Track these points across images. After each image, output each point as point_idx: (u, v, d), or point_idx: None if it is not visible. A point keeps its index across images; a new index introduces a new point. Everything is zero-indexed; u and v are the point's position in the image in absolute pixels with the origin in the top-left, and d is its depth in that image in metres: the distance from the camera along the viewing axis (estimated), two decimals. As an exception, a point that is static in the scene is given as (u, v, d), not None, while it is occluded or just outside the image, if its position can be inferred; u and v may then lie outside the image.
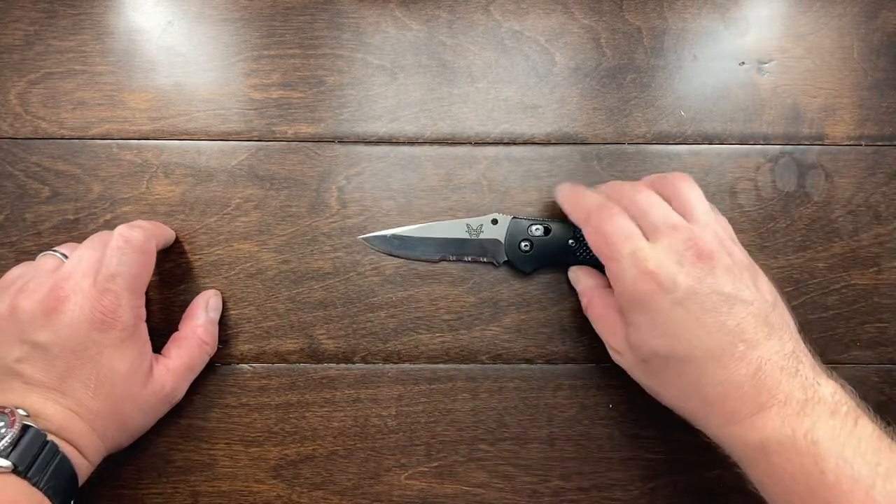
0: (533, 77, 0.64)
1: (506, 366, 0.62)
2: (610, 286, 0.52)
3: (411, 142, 0.63)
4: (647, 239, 0.49)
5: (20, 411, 0.45)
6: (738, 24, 0.66)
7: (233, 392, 0.61)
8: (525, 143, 0.63)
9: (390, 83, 0.64)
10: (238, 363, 0.61)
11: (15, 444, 0.43)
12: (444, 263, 0.61)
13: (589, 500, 0.60)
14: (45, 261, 0.54)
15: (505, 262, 0.59)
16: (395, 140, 0.63)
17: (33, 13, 0.64)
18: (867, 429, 0.40)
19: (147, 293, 0.58)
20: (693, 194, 0.51)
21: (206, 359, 0.59)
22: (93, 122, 0.63)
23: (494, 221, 0.59)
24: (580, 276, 0.59)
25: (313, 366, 0.61)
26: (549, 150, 0.63)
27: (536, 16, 0.65)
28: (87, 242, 0.53)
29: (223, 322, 0.61)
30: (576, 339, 0.61)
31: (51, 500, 0.44)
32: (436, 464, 0.61)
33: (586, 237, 0.53)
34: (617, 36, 0.65)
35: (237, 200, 0.62)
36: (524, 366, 0.62)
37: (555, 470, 0.61)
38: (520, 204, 0.61)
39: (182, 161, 0.63)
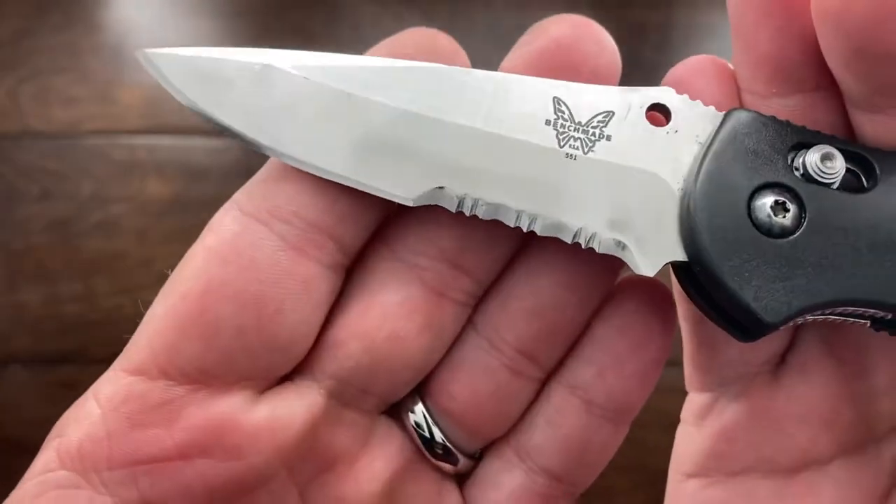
0: (535, 73, 0.63)
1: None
2: None
3: (411, 140, 0.62)
4: None
5: None
6: (746, 19, 0.65)
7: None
8: (527, 140, 0.62)
9: (389, 79, 0.63)
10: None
11: None
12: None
13: (592, 507, 0.59)
14: None
15: (684, 267, 0.17)
16: (393, 138, 0.62)
17: (23, 8, 0.63)
18: None
19: (140, 298, 0.56)
20: None
21: None
22: (84, 119, 0.61)
23: (661, 110, 0.18)
24: None
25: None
26: (552, 148, 0.62)
27: (539, 10, 0.64)
28: None
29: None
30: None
31: None
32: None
33: None
34: (622, 31, 0.64)
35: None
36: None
37: (557, 476, 0.59)
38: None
39: (175, 159, 0.61)
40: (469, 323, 0.19)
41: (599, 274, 0.19)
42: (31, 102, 0.62)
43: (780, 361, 0.20)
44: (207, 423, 0.16)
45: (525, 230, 0.17)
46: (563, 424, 0.19)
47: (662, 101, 0.18)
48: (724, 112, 0.17)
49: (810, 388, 0.19)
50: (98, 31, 0.63)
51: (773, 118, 0.17)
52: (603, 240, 0.17)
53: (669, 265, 0.17)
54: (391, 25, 0.63)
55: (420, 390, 0.19)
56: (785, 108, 0.17)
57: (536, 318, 0.19)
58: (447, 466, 0.20)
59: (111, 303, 0.61)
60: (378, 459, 0.19)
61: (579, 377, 0.19)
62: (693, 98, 0.18)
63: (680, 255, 0.17)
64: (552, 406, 0.19)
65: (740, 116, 0.17)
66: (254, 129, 0.17)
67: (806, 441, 0.20)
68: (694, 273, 0.17)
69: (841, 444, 0.20)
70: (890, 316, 0.17)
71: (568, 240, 0.17)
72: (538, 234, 0.17)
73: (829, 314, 0.17)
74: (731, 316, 0.17)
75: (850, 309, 0.17)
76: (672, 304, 0.20)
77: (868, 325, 0.18)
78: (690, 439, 0.21)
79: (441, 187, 0.17)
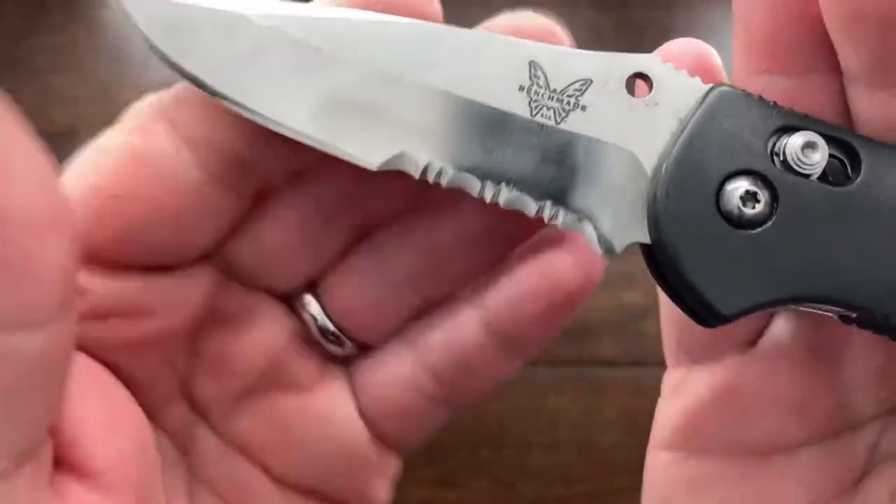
0: (535, 73, 0.63)
1: (508, 369, 0.60)
2: None
3: (411, 140, 0.62)
4: None
5: None
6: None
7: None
8: (527, 141, 0.62)
9: (389, 80, 0.63)
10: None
11: None
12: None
13: (593, 507, 0.59)
14: None
15: (646, 249, 0.17)
16: (394, 138, 0.62)
17: (23, 8, 0.63)
18: None
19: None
20: None
21: None
22: (84, 120, 0.61)
23: (643, 80, 0.17)
24: None
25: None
26: (552, 148, 0.62)
27: (539, 10, 0.64)
28: None
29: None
30: (581, 341, 0.60)
31: None
32: (436, 470, 0.60)
33: None
34: (621, 30, 0.64)
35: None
36: (527, 368, 0.60)
37: (558, 476, 0.60)
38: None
39: (176, 160, 0.61)
40: (369, 237, 0.20)
41: (504, 231, 0.19)
42: (30, 102, 0.62)
43: (752, 345, 0.20)
44: (116, 292, 0.18)
45: (488, 202, 0.17)
46: (458, 334, 0.20)
47: (645, 70, 0.17)
48: (708, 86, 0.16)
49: (779, 376, 0.19)
50: (98, 31, 0.63)
51: (759, 97, 0.16)
52: (565, 215, 0.17)
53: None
54: (391, 25, 0.63)
55: (316, 283, 0.21)
56: (775, 87, 0.16)
57: (426, 253, 0.20)
58: (336, 349, 0.21)
59: (111, 303, 0.61)
60: (264, 328, 0.20)
61: (487, 297, 0.20)
62: None
63: (644, 237, 0.16)
64: (453, 314, 0.20)
65: (723, 93, 0.16)
66: (217, 79, 0.16)
67: (773, 427, 0.20)
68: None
69: (812, 433, 0.20)
70: (855, 314, 0.16)
71: (531, 213, 0.17)
72: (502, 206, 0.17)
73: (792, 306, 0.17)
74: (689, 302, 0.16)
75: (815, 304, 0.16)
76: (594, 260, 0.20)
77: (835, 317, 0.17)
78: (664, 412, 0.22)
79: (407, 153, 0.16)
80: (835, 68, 0.16)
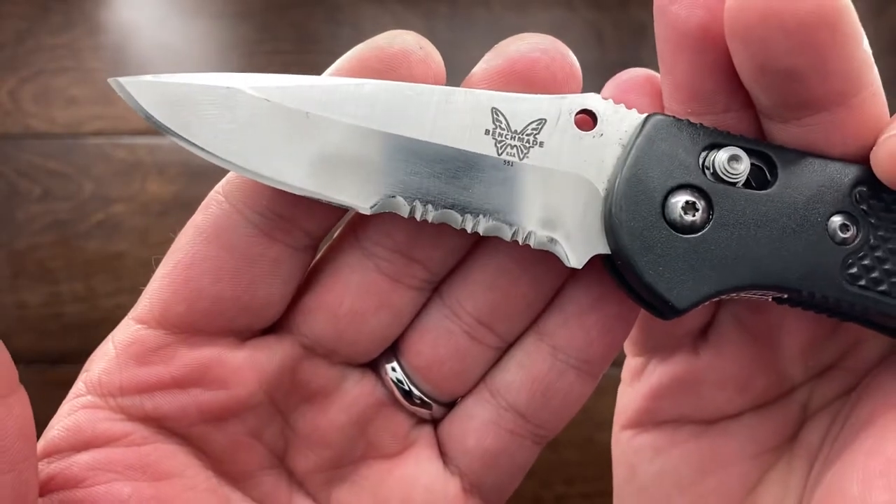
0: (535, 73, 0.63)
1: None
2: None
3: (411, 139, 0.62)
4: None
5: None
6: (745, 19, 0.65)
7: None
8: (527, 140, 0.62)
9: (389, 80, 0.63)
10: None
11: None
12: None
13: (593, 506, 0.59)
14: None
15: (608, 259, 0.20)
16: (394, 138, 0.62)
17: (25, 9, 0.63)
18: None
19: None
20: None
21: None
22: (85, 120, 0.61)
23: (588, 115, 0.19)
24: None
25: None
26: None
27: (538, 10, 0.64)
28: None
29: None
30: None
31: None
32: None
33: None
34: (621, 31, 0.64)
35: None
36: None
37: (558, 475, 0.60)
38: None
39: (176, 159, 0.61)
40: (436, 291, 0.21)
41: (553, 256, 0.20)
42: (32, 103, 0.62)
43: (702, 335, 0.23)
44: (196, 362, 0.20)
45: (469, 231, 0.19)
46: (531, 367, 0.21)
47: (589, 107, 0.19)
48: (644, 115, 0.19)
49: (725, 360, 0.23)
50: (99, 31, 0.63)
51: (688, 121, 0.19)
52: (537, 237, 0.19)
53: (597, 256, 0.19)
54: (391, 25, 0.63)
55: (396, 348, 0.22)
56: (701, 122, 0.19)
57: (492, 289, 0.21)
58: (423, 412, 0.22)
59: (112, 302, 0.61)
60: (351, 400, 0.21)
61: (548, 324, 0.21)
62: (628, 108, 0.19)
63: (604, 249, 0.19)
64: (523, 350, 0.21)
65: (658, 121, 0.19)
66: (220, 148, 0.19)
67: (722, 402, 0.23)
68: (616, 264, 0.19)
69: (753, 401, 0.23)
70: (787, 295, 0.19)
71: (507, 238, 0.19)
72: (481, 234, 0.19)
73: (734, 295, 0.19)
74: (648, 300, 0.19)
75: (754, 291, 0.19)
76: None
77: (770, 299, 0.19)
78: (626, 397, 0.25)
79: (394, 196, 0.19)
80: (748, 105, 0.19)
